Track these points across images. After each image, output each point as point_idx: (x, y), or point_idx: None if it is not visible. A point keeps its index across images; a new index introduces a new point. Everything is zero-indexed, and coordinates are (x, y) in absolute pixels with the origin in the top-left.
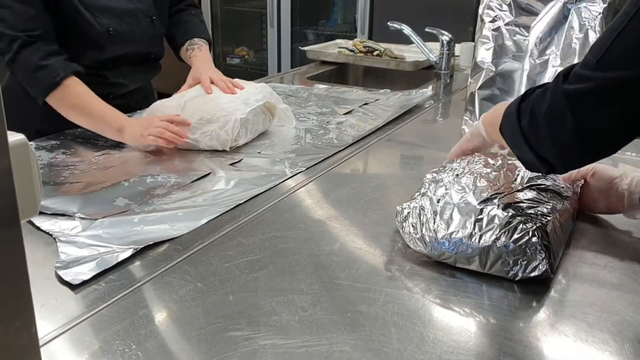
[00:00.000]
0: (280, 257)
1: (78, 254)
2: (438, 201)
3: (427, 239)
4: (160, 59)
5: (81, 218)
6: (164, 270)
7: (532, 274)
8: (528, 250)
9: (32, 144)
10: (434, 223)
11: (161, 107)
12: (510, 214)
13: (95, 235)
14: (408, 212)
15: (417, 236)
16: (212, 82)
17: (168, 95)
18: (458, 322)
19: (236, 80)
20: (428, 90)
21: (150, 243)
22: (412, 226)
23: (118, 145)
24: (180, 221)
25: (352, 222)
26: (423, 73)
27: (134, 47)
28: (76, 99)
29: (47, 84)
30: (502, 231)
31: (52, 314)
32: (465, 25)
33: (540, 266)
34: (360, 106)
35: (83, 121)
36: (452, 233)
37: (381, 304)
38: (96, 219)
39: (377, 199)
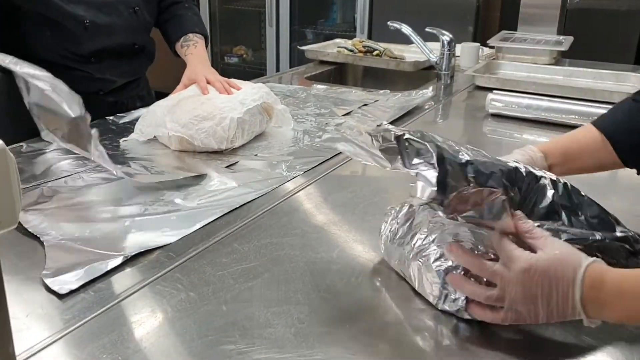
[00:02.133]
0: (276, 265)
1: (66, 260)
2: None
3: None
4: (146, 48)
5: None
6: (154, 279)
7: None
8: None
9: (24, 144)
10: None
11: (157, 108)
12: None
13: (85, 239)
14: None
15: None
16: (208, 82)
17: (166, 94)
18: (461, 333)
19: (233, 80)
20: (428, 91)
21: (142, 250)
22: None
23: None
24: (173, 226)
25: (351, 228)
26: (423, 73)
27: (115, 39)
28: None
29: None
30: None
31: (37, 325)
32: (465, 25)
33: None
34: (359, 107)
35: None
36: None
37: (381, 315)
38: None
39: (377, 203)
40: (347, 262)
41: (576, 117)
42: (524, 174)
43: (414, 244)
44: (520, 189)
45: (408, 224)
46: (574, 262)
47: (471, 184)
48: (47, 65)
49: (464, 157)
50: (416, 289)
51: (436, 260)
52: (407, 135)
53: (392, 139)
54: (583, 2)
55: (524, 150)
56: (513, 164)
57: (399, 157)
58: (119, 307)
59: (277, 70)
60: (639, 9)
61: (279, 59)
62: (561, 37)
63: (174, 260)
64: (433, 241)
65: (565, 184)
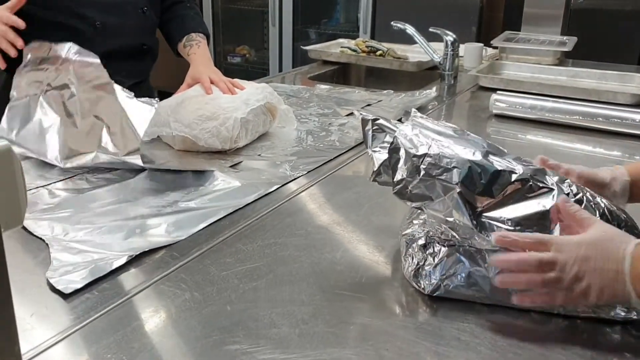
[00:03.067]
0: (280, 265)
1: (71, 260)
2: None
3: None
4: (153, 49)
5: None
6: (159, 279)
7: None
8: None
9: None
10: None
11: (160, 108)
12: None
13: (90, 240)
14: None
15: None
16: (212, 82)
17: (169, 94)
18: (466, 337)
19: (236, 80)
20: (432, 92)
21: (146, 250)
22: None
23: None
24: (178, 226)
25: (355, 228)
26: (426, 74)
27: (125, 39)
28: None
29: None
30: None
31: (42, 324)
32: (469, 25)
33: None
34: (362, 107)
35: None
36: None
37: (386, 316)
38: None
39: (381, 204)
40: (351, 263)
41: (580, 117)
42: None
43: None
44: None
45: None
46: (623, 239)
47: (421, 174)
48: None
49: (429, 150)
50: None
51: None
52: (380, 121)
53: (369, 124)
54: (587, 3)
55: (611, 168)
56: (503, 167)
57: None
58: (123, 307)
59: (280, 70)
60: None
61: (282, 59)
62: (565, 38)
63: (178, 260)
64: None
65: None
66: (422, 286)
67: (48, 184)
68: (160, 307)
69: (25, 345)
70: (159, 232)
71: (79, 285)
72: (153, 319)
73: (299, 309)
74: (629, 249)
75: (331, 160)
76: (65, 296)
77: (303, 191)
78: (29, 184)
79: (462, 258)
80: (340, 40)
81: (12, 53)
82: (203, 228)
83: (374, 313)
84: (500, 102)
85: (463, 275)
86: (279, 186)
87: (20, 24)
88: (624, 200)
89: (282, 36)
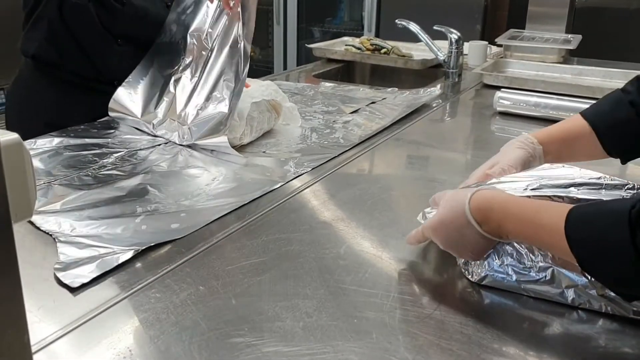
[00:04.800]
0: (284, 260)
1: (78, 255)
2: None
3: None
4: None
5: None
6: (165, 273)
7: None
8: None
9: (36, 140)
10: None
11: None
12: None
13: (96, 235)
14: None
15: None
16: None
17: None
18: (469, 330)
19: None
20: (436, 89)
21: (152, 244)
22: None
23: (122, 143)
24: (183, 222)
25: (358, 224)
26: (431, 71)
27: (146, 27)
28: None
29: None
30: None
31: (49, 317)
32: (473, 23)
33: None
34: (367, 105)
35: None
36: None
37: (388, 310)
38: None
39: (384, 200)
40: (354, 258)
41: None
42: None
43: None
44: None
45: None
46: (464, 193)
47: None
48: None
49: None
50: None
51: None
52: None
53: None
54: (591, 1)
55: (523, 144)
56: None
57: None
58: (130, 301)
59: (285, 68)
60: None
61: (287, 57)
62: (570, 36)
63: (184, 255)
64: None
65: None
66: (471, 274)
67: (55, 180)
68: (166, 301)
69: (32, 337)
70: (165, 227)
71: (86, 280)
72: (158, 312)
73: (303, 302)
74: (468, 195)
75: (335, 157)
76: (72, 290)
77: (307, 188)
78: (36, 180)
79: (509, 249)
80: (345, 38)
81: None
82: (208, 223)
83: (377, 307)
84: (505, 99)
85: (510, 266)
86: (283, 183)
87: None
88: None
89: (286, 34)
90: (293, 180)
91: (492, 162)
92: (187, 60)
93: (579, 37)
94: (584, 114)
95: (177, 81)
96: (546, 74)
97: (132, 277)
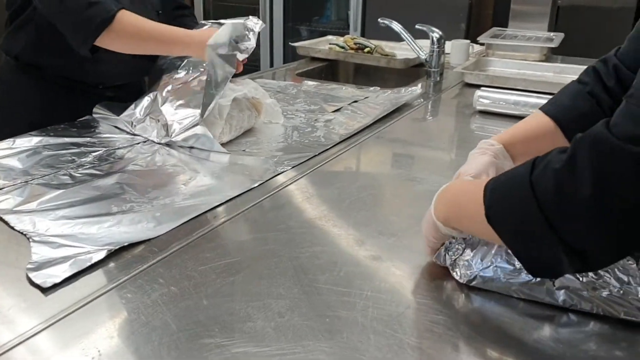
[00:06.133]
0: (259, 260)
1: (51, 254)
2: None
3: None
4: (155, 60)
5: None
6: (137, 273)
7: None
8: None
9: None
10: None
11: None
12: None
13: (71, 235)
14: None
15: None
16: None
17: None
18: (440, 329)
19: None
20: (417, 89)
21: (126, 244)
22: None
23: (101, 143)
24: (158, 221)
25: (336, 223)
26: (413, 71)
27: None
28: (133, 27)
29: (100, 20)
30: None
31: (19, 318)
32: (458, 22)
33: None
34: (349, 104)
35: (145, 46)
36: None
37: (361, 309)
38: None
39: (363, 199)
40: (330, 258)
41: None
42: None
43: None
44: None
45: None
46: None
47: None
48: (59, 44)
49: None
50: None
51: None
52: None
53: None
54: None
55: (483, 150)
56: None
57: None
58: (101, 301)
59: (271, 66)
60: (631, 6)
61: (273, 55)
62: (552, 34)
63: (157, 255)
64: None
65: None
66: (459, 276)
67: (33, 179)
68: (137, 301)
69: (2, 337)
70: (140, 227)
71: (58, 280)
72: (129, 312)
73: (276, 302)
74: (437, 191)
75: (316, 155)
76: (43, 290)
77: (286, 187)
78: (13, 179)
79: (499, 248)
80: (329, 37)
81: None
82: (184, 223)
83: (350, 306)
84: (484, 98)
85: (499, 267)
86: (262, 182)
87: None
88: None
89: (273, 33)
90: (272, 179)
91: (459, 173)
92: (180, 72)
93: (561, 35)
94: (545, 110)
95: (162, 81)
96: (528, 72)
97: (104, 277)
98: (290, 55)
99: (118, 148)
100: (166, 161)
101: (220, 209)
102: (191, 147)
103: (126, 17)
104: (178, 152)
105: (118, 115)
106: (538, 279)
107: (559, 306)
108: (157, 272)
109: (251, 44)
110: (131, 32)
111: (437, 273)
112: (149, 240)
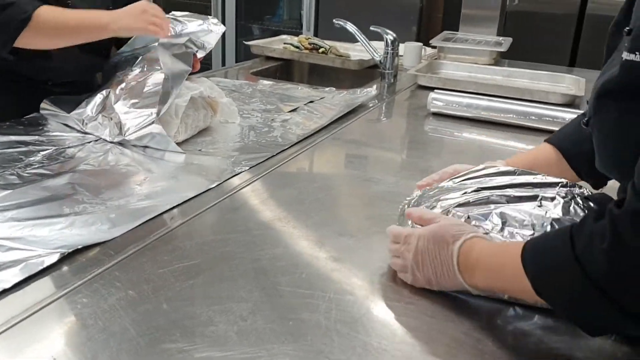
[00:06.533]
0: (219, 262)
1: (1, 259)
2: None
3: None
4: (107, 58)
5: None
6: (92, 277)
7: None
8: None
9: None
10: None
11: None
12: None
13: (20, 238)
14: None
15: None
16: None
17: None
18: (402, 330)
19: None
20: (372, 90)
21: (80, 247)
22: None
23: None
24: (113, 223)
25: (296, 224)
26: (368, 72)
27: None
28: (53, 22)
29: (17, 21)
30: None
31: None
32: (409, 25)
33: None
34: (305, 104)
35: (67, 38)
36: None
37: (324, 311)
38: None
39: (322, 200)
40: (291, 259)
41: (514, 116)
42: None
43: None
44: None
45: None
46: (456, 233)
47: None
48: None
49: None
50: None
51: None
52: None
53: None
54: (521, 5)
55: (490, 164)
56: None
57: None
58: (55, 307)
59: (223, 65)
60: (574, 13)
61: (225, 54)
62: (501, 38)
63: (113, 258)
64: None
65: None
66: None
67: None
68: (94, 306)
69: None
70: (94, 229)
71: (8, 285)
72: (85, 318)
73: (238, 305)
74: (458, 244)
75: (273, 156)
76: None
77: (245, 187)
78: None
79: None
80: (284, 36)
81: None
82: (139, 225)
83: (313, 308)
84: (438, 100)
85: None
86: (220, 182)
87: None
88: None
89: (225, 31)
90: (230, 180)
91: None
92: (135, 70)
93: (510, 39)
94: (550, 140)
95: (116, 79)
96: (479, 76)
97: (58, 281)
98: (242, 54)
99: (68, 147)
100: (119, 161)
101: (177, 210)
102: (145, 147)
103: (44, 14)
104: (131, 152)
105: (67, 111)
106: None
107: (505, 300)
108: (114, 276)
109: (210, 42)
110: (51, 28)
111: (397, 274)
112: (103, 242)
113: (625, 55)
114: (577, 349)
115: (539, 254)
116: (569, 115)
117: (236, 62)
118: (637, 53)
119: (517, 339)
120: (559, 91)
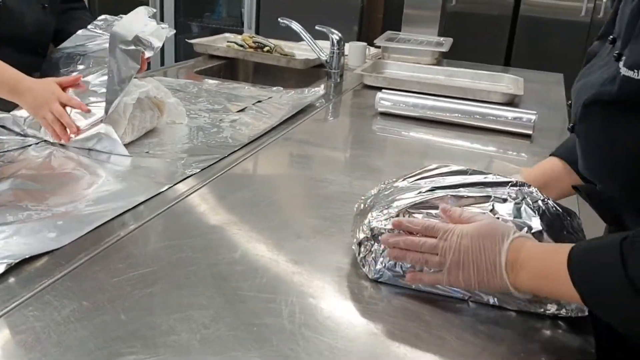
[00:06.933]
0: (176, 269)
1: None
2: None
3: None
4: (45, 48)
5: None
6: (43, 288)
7: None
8: None
9: None
10: None
11: None
12: None
13: None
14: None
15: None
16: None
17: None
18: (367, 330)
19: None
20: (320, 90)
21: (27, 256)
22: None
23: None
24: (61, 231)
25: (252, 228)
26: (313, 71)
27: (23, 30)
28: None
29: None
30: None
31: None
32: (350, 25)
33: None
34: (253, 104)
35: None
36: None
37: (288, 315)
38: None
39: (276, 202)
40: (250, 263)
41: (459, 115)
42: None
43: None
44: None
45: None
46: (503, 232)
47: None
48: None
49: None
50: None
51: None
52: None
53: None
54: (459, 6)
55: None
56: None
57: None
58: (3, 321)
59: (162, 64)
60: (509, 14)
61: (164, 52)
62: (442, 39)
63: (64, 267)
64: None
65: None
66: (369, 271)
67: None
68: (46, 319)
69: None
70: (40, 237)
71: None
72: (38, 332)
73: (199, 313)
74: (506, 244)
75: (224, 157)
76: None
77: (196, 190)
78: None
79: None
80: (227, 34)
81: (65, 138)
82: (88, 232)
83: (276, 313)
84: (385, 100)
85: (400, 264)
86: (171, 185)
87: (84, 108)
88: None
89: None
90: (181, 183)
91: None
92: (80, 67)
93: (450, 40)
94: (555, 153)
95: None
96: (422, 75)
97: (4, 294)
98: (182, 52)
99: (7, 150)
100: (64, 164)
101: (127, 215)
102: (89, 150)
103: None
104: (76, 154)
105: (7, 111)
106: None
107: (461, 298)
108: (66, 286)
109: (157, 42)
110: None
111: (359, 274)
112: (52, 251)
113: (624, 71)
114: (545, 342)
115: (588, 270)
116: (511, 114)
117: (175, 61)
118: (635, 70)
119: (478, 335)
120: (499, 90)
